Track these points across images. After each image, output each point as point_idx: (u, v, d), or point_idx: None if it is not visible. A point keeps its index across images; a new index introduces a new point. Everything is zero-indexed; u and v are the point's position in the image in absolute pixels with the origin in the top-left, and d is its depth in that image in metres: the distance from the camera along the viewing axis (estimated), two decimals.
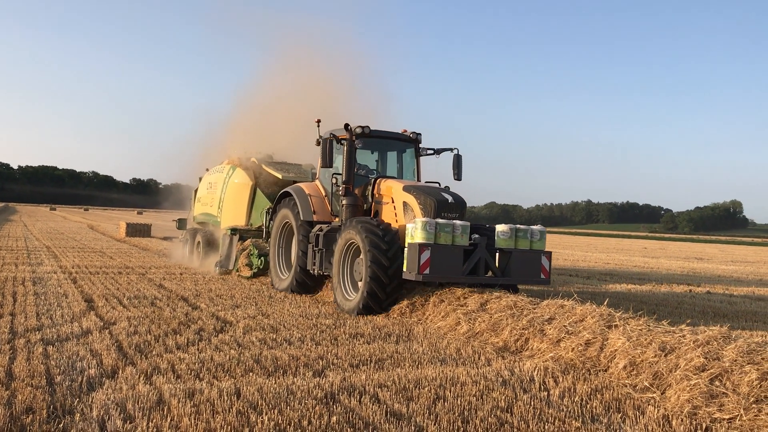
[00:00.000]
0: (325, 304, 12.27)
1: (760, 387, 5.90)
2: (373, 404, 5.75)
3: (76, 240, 30.25)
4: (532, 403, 5.98)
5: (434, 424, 5.29)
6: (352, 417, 5.39)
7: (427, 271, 10.19)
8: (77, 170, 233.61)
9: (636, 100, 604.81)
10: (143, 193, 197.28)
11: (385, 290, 10.75)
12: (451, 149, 13.47)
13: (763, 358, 6.34)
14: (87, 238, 32.06)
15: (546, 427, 5.32)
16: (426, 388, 6.31)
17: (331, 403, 5.75)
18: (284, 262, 14.38)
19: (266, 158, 18.59)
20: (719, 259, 40.68)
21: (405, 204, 11.57)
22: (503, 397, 6.11)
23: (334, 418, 5.30)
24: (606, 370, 7.29)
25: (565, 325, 8.37)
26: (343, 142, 12.61)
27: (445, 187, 12.49)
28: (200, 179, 20.93)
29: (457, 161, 13.37)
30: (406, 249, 10.54)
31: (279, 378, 6.58)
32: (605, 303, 9.18)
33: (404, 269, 10.54)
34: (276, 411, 5.43)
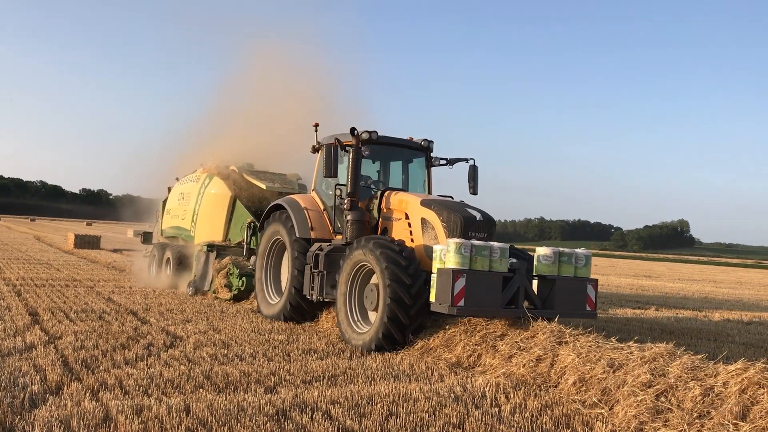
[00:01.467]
0: (279, 322, 12.14)
1: (703, 402, 6.06)
2: (325, 421, 5.71)
3: (21, 251, 29.39)
4: (484, 419, 6.03)
5: None
6: None
7: (461, 303, 8.51)
8: (24, 179, 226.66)
9: (589, 119, 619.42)
10: (93, 204, 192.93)
11: (408, 313, 9.18)
12: (466, 159, 12.15)
13: (706, 374, 6.52)
14: (33, 250, 31.18)
15: None
16: (379, 405, 6.30)
17: (283, 420, 5.70)
18: (273, 285, 12.64)
19: (247, 167, 16.88)
20: (667, 277, 41.72)
21: (424, 221, 10.15)
22: (455, 413, 6.14)
23: None
24: (556, 386, 7.39)
25: (516, 342, 8.47)
26: (347, 148, 11.11)
27: (460, 201, 11.11)
28: (169, 189, 19.22)
29: (473, 173, 12.05)
30: (434, 275, 8.95)
31: (230, 394, 6.49)
32: (555, 319, 9.31)
33: (431, 299, 8.94)
34: (226, 428, 5.36)
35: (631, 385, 6.62)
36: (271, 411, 5.91)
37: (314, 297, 11.08)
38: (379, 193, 11.24)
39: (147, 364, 7.69)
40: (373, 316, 9.70)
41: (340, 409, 6.10)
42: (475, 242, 8.84)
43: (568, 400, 6.89)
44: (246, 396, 6.41)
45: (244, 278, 14.16)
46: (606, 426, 6.03)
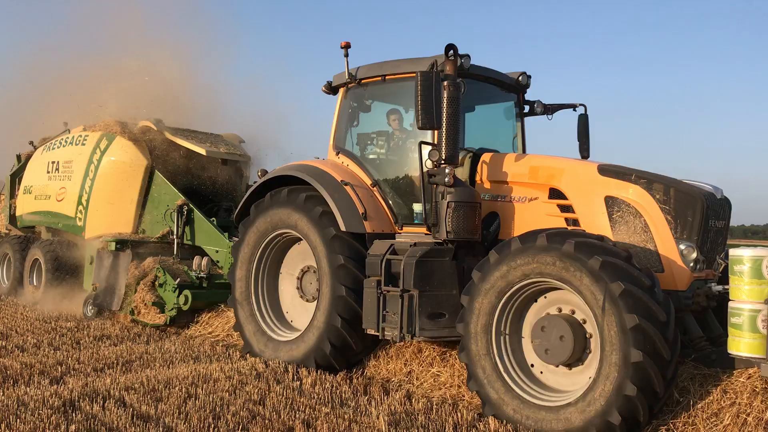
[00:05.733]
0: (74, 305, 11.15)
1: None
2: (118, 408, 5.46)
3: None
4: (285, 393, 6.10)
5: (184, 423, 5.17)
6: (93, 424, 5.08)
7: None
8: None
9: None
10: None
11: (665, 375, 5.14)
12: (573, 106, 8.18)
13: None
14: None
15: (297, 415, 5.46)
16: (177, 388, 6.14)
17: (70, 411, 5.36)
18: (271, 309, 7.97)
19: (155, 122, 11.60)
20: None
21: (615, 203, 6.16)
22: (256, 390, 6.15)
23: (72, 427, 4.95)
24: None
25: None
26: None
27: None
28: (20, 157, 13.80)
29: (584, 126, 8.20)
30: (749, 307, 5.18)
31: (8, 389, 5.97)
32: None
33: (744, 352, 5.19)
34: (3, 425, 4.94)
35: (427, 355, 7.04)
36: (57, 403, 5.53)
37: (392, 335, 6.56)
38: (468, 157, 7.19)
39: None
40: (546, 375, 5.73)
41: (135, 395, 5.86)
42: None
43: (371, 370, 7.18)
44: (28, 389, 5.94)
45: (187, 292, 9.24)
46: (401, 392, 6.37)
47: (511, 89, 8.00)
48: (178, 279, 9.38)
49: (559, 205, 6.48)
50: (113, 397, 5.81)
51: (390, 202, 7.40)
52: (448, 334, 6.32)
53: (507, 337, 5.73)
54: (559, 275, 5.37)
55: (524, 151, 8.11)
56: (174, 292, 9.31)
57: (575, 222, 6.34)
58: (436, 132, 6.54)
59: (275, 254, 7.95)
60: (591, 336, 5.41)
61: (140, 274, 9.88)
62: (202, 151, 11.05)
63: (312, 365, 7.09)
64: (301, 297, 7.81)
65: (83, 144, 11.72)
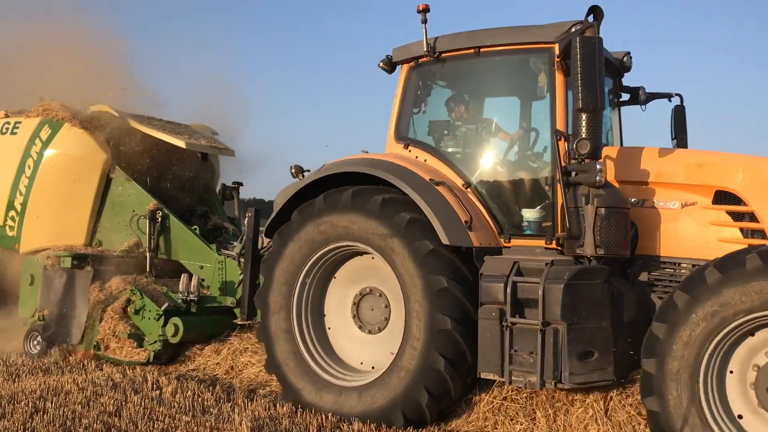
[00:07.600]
0: None
1: None
2: None
3: None
4: (143, 403, 5.88)
5: None
6: None
7: None
8: None
9: None
10: None
11: None
12: (669, 96, 6.94)
13: None
14: None
15: (155, 425, 5.28)
16: (22, 402, 5.77)
17: None
18: (319, 344, 6.22)
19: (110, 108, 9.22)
20: None
21: None
22: (112, 401, 5.89)
23: None
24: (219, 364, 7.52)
25: None
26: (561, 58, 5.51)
27: None
28: None
29: (681, 117, 6.95)
30: None
31: None
32: None
33: None
34: None
35: None
36: None
37: (524, 381, 5.14)
38: None
39: None
40: (746, 421, 4.57)
41: None
42: None
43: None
44: None
45: (176, 320, 7.53)
46: (267, 399, 6.32)
47: (612, 72, 6.58)
48: (165, 305, 7.63)
49: (730, 212, 5.24)
50: None
51: (491, 207, 5.92)
52: (599, 378, 5.06)
53: (718, 406, 4.50)
54: None
55: (622, 142, 6.80)
56: (158, 320, 7.58)
57: (758, 234, 5.13)
58: (586, 116, 5.17)
59: (323, 273, 6.23)
60: None
61: (105, 297, 7.98)
62: (181, 143, 8.88)
63: (399, 421, 5.49)
64: (359, 327, 6.16)
65: (14, 133, 9.15)
